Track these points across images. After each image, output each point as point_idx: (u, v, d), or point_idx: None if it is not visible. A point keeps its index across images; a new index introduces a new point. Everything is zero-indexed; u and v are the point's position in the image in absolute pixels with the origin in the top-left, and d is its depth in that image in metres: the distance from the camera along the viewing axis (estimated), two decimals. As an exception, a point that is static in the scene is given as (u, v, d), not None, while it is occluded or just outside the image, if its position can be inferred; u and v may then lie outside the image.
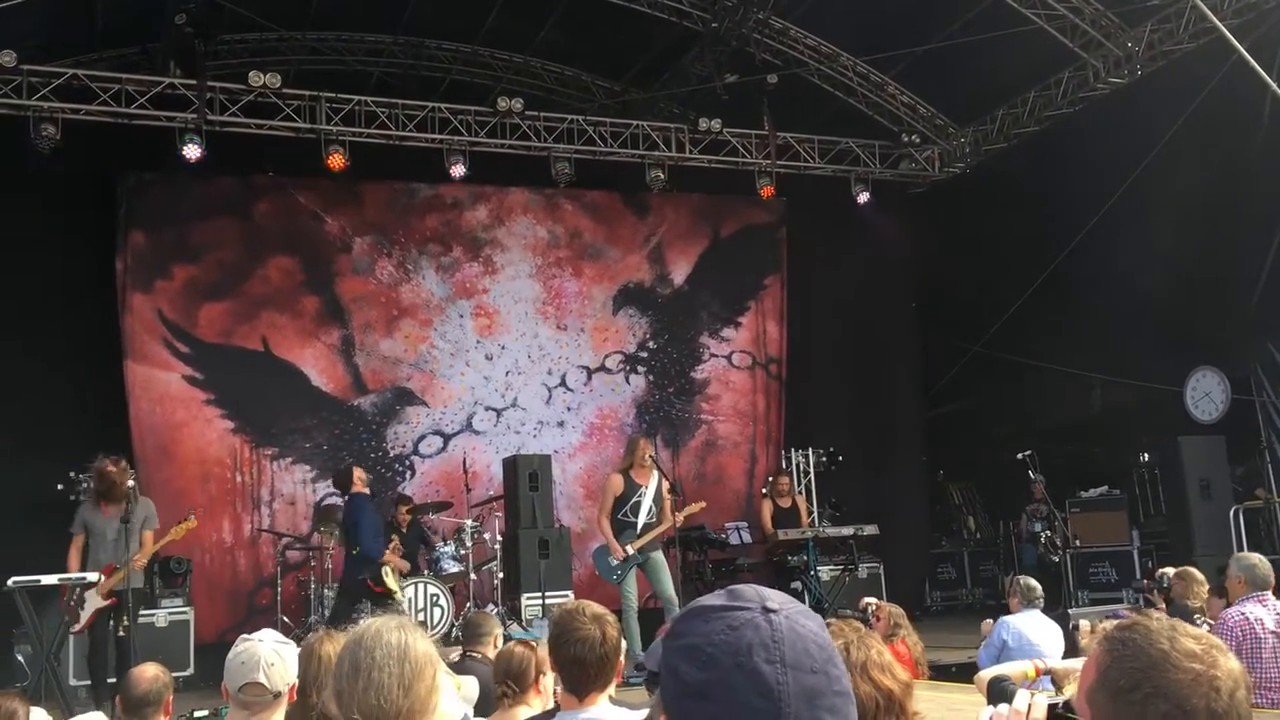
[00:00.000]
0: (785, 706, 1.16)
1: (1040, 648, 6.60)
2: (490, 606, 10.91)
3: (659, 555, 9.31)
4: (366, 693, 2.28)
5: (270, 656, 3.31)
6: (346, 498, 9.69)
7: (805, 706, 1.17)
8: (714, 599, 1.26)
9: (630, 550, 9.17)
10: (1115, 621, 1.62)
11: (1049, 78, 12.87)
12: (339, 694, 2.36)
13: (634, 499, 9.22)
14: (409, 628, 2.42)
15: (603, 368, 14.03)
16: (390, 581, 9.31)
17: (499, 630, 5.59)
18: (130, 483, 8.17)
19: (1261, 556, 5.82)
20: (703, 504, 10.11)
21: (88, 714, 3.90)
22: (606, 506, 9.35)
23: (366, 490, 9.64)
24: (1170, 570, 7.57)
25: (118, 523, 8.07)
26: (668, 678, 1.22)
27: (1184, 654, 1.47)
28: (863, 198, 13.93)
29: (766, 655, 1.18)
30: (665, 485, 9.50)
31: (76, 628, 8.11)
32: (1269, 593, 5.58)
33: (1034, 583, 7.22)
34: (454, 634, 10.28)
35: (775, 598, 1.24)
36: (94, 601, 8.03)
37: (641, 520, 9.16)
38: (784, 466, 13.84)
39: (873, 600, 7.56)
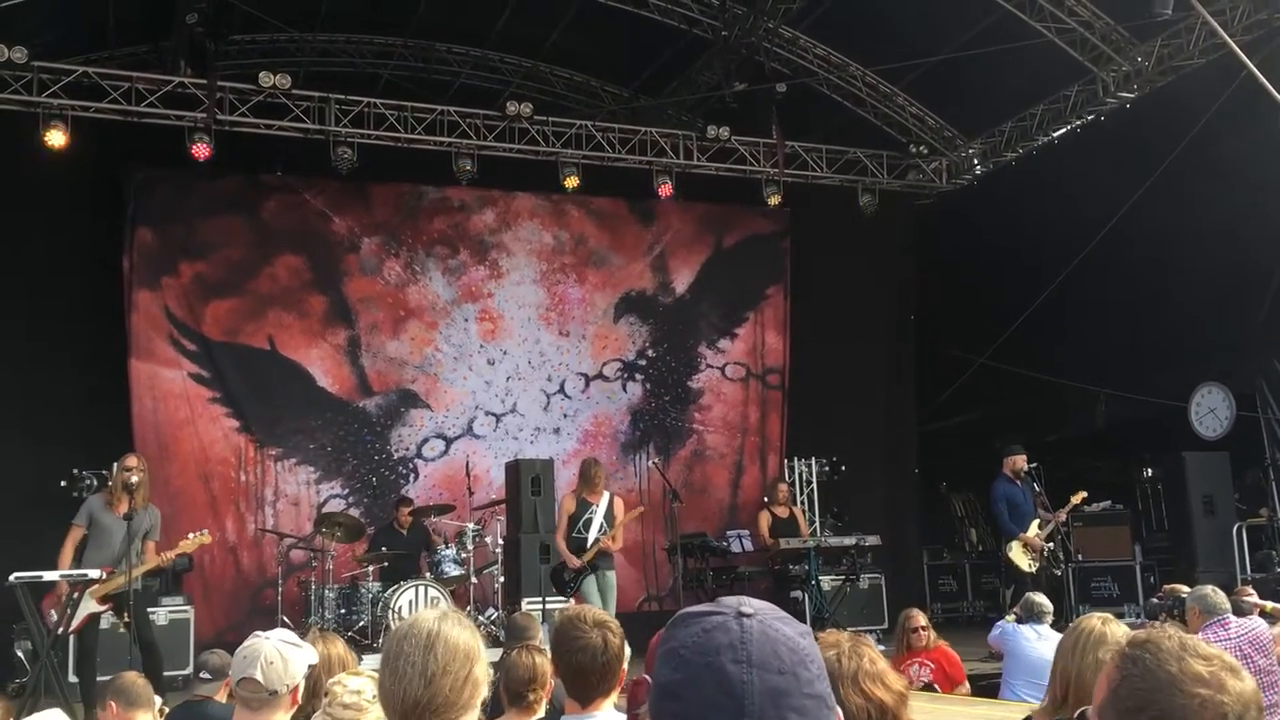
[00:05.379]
0: (749, 704, 1.19)
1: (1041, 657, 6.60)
2: (491, 610, 10.92)
3: (612, 576, 9.75)
4: (390, 680, 2.29)
5: (271, 654, 3.29)
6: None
7: (770, 705, 1.19)
8: (698, 607, 1.30)
9: (581, 561, 9.54)
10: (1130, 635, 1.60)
11: (1058, 91, 12.87)
12: (379, 683, 2.38)
13: (585, 516, 9.65)
14: (449, 619, 2.39)
15: (600, 375, 14.03)
16: (1015, 556, 10.24)
17: (534, 631, 5.63)
18: (134, 479, 8.08)
19: (1215, 588, 6.13)
20: (641, 509, 10.89)
21: (45, 712, 3.90)
22: (562, 526, 9.80)
23: (1010, 475, 10.54)
24: (1184, 589, 7.52)
25: (125, 527, 7.95)
26: (653, 682, 1.27)
27: (1191, 678, 1.45)
28: (870, 208, 13.94)
29: (733, 655, 1.21)
30: (619, 504, 9.92)
31: (68, 628, 7.90)
32: (1229, 615, 5.79)
33: (1039, 598, 7.19)
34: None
35: (754, 604, 1.27)
36: (88, 605, 7.87)
37: (592, 536, 9.59)
38: (786, 476, 13.84)
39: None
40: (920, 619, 7.43)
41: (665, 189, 13.08)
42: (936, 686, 7.19)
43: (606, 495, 9.82)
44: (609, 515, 9.69)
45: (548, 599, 10.19)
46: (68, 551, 8.04)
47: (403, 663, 2.28)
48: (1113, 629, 3.38)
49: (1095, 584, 11.97)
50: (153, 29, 11.95)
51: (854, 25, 12.82)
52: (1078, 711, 1.65)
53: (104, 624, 8.37)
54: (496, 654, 5.56)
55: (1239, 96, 10.24)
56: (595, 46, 13.75)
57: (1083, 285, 12.30)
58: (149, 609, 9.02)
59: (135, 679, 4.48)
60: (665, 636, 1.28)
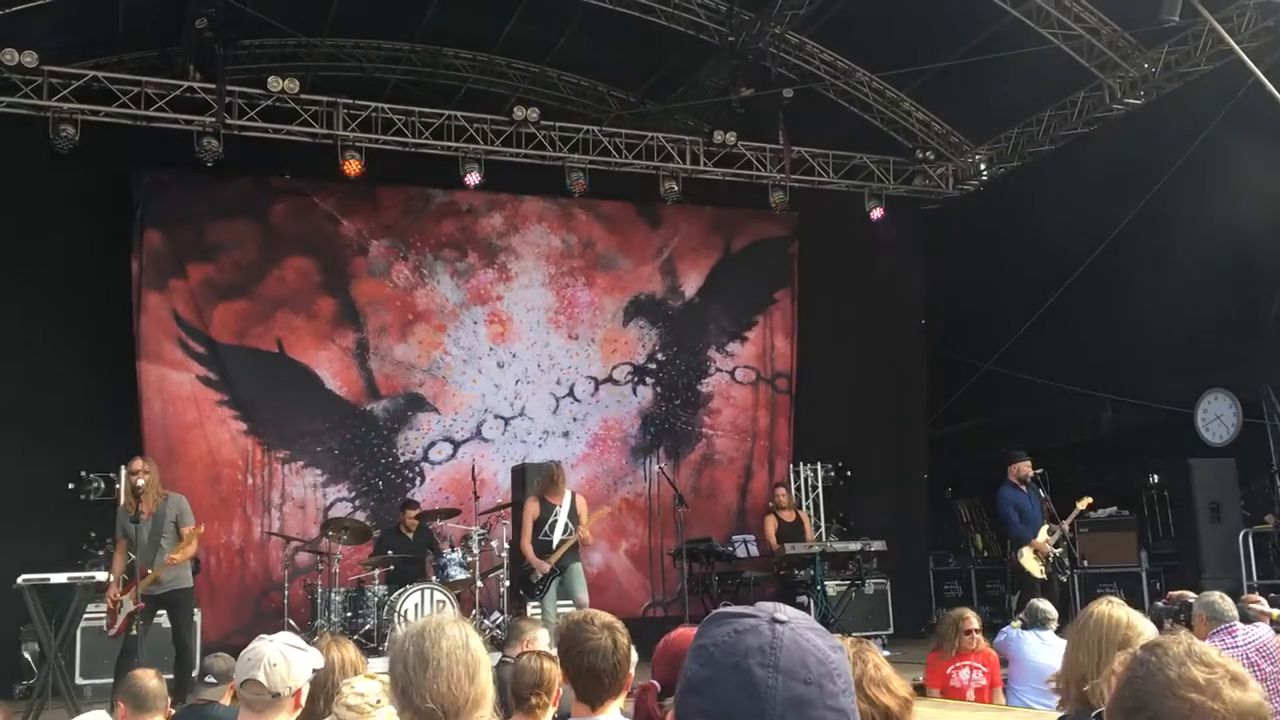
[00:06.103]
0: (770, 708, 1.20)
1: (1045, 664, 6.59)
2: (496, 615, 10.94)
3: (577, 566, 9.88)
4: (436, 681, 2.35)
5: (274, 657, 3.31)
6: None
7: (791, 712, 1.21)
8: (734, 608, 1.32)
9: (549, 565, 9.66)
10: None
11: (1065, 97, 12.88)
12: (404, 686, 2.41)
13: (550, 519, 9.78)
14: (464, 623, 2.51)
15: (610, 379, 14.02)
16: (1026, 562, 10.24)
17: (532, 634, 5.63)
18: (140, 481, 8.15)
19: (1222, 594, 6.04)
20: (608, 509, 11.12)
21: (90, 713, 3.94)
22: (526, 530, 9.88)
23: (1016, 481, 10.50)
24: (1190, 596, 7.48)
25: (148, 525, 8.10)
26: (681, 675, 1.29)
27: (1187, 683, 1.48)
28: (876, 213, 13.95)
29: (762, 659, 1.23)
30: (581, 501, 10.05)
31: (111, 631, 8.21)
32: (1236, 623, 5.74)
33: (1044, 604, 7.18)
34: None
35: (789, 612, 1.29)
36: (127, 605, 8.07)
37: (558, 537, 9.73)
38: (792, 481, 13.84)
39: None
40: (974, 621, 7.31)
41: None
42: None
43: (569, 495, 9.96)
44: (573, 514, 9.83)
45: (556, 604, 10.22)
46: (117, 564, 8.37)
47: (449, 662, 2.37)
48: (1113, 610, 3.36)
49: (1101, 590, 11.88)
50: (162, 34, 11.99)
51: (861, 31, 12.83)
52: (1095, 713, 1.69)
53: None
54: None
55: (1246, 103, 10.25)
56: (602, 52, 13.79)
57: (1089, 291, 12.30)
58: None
59: (148, 681, 4.48)
60: (698, 633, 1.31)
